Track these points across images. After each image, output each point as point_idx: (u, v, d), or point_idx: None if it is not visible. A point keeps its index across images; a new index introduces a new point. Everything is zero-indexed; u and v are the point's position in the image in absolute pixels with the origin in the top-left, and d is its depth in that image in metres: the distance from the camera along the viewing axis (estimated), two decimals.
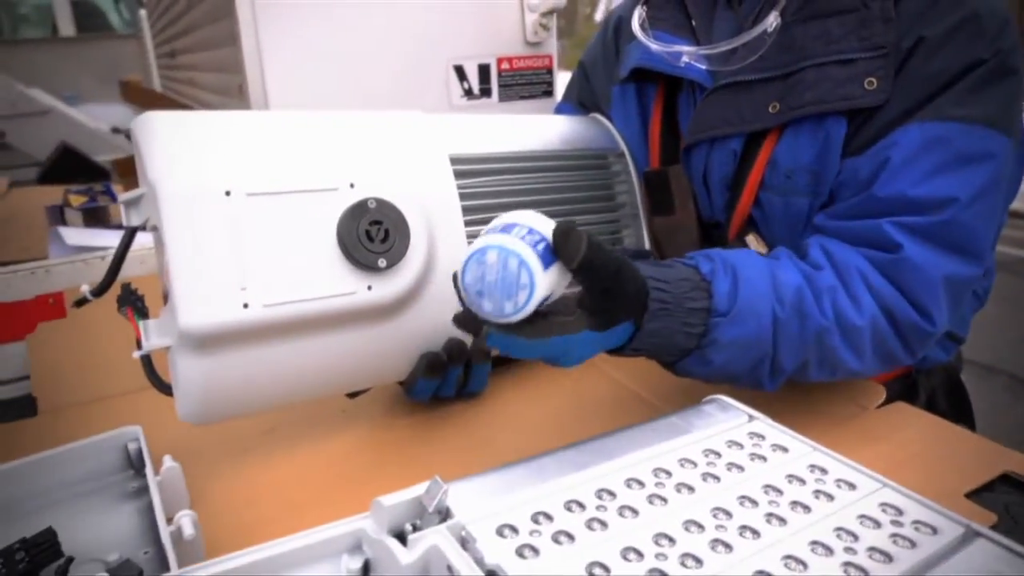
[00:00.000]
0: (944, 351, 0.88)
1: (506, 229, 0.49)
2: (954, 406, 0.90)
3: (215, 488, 0.67)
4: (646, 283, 0.57)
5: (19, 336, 0.87)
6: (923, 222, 0.65)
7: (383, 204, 0.64)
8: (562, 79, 1.10)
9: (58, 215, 1.40)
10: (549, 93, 1.10)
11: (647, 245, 0.87)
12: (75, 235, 1.04)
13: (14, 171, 2.51)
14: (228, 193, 0.59)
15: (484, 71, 1.03)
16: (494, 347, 0.52)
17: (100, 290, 0.66)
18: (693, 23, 0.84)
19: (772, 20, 0.72)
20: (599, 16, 1.03)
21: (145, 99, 2.24)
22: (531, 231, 0.50)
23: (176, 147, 0.60)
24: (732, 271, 0.63)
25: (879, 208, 0.68)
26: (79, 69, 3.21)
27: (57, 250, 1.04)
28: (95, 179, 2.37)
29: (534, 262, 0.48)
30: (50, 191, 1.98)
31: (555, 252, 0.49)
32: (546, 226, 0.51)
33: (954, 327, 0.87)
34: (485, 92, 1.04)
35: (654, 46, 0.80)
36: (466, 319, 0.52)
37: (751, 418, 0.56)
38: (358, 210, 0.63)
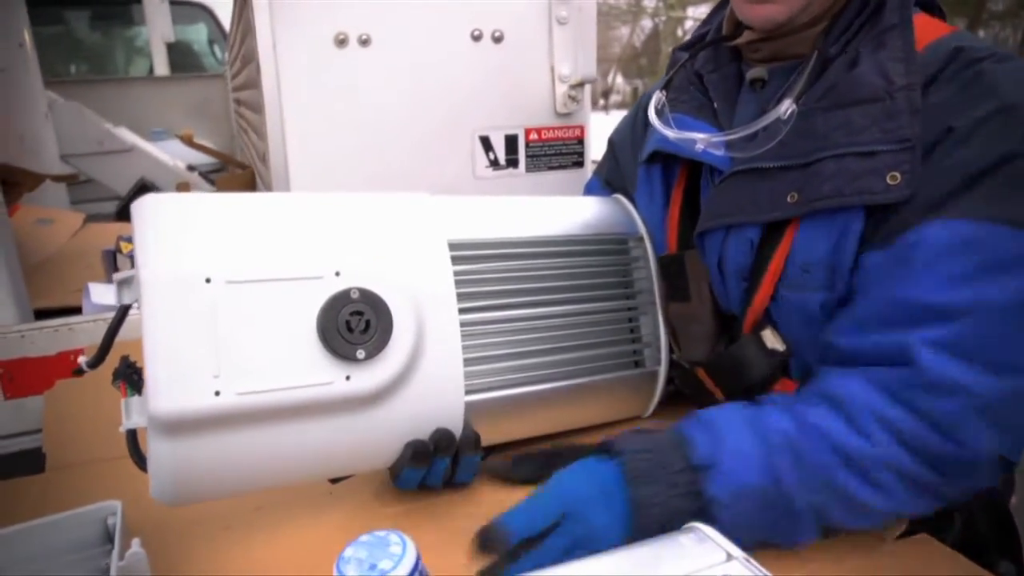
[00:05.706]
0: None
1: None
2: (997, 536, 0.79)
3: (190, 568, 0.66)
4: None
5: (39, 391, 0.90)
6: (950, 335, 0.59)
7: (366, 294, 0.63)
8: None
9: (112, 260, 1.47)
10: (580, 164, 1.08)
11: (663, 333, 0.83)
12: (101, 292, 1.08)
13: (95, 204, 2.67)
14: (208, 280, 0.59)
15: (511, 142, 1.02)
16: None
17: (95, 362, 0.68)
18: (715, 105, 0.80)
19: (786, 107, 0.68)
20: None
21: (199, 149, 2.35)
22: None
23: (164, 233, 0.60)
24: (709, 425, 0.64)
25: (900, 316, 0.62)
26: (169, 106, 3.39)
27: (87, 305, 1.08)
28: None
29: None
30: (123, 228, 2.09)
31: None
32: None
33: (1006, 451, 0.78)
34: (512, 163, 1.03)
35: (670, 133, 0.77)
36: None
37: (729, 557, 0.51)
38: (339, 299, 0.62)
